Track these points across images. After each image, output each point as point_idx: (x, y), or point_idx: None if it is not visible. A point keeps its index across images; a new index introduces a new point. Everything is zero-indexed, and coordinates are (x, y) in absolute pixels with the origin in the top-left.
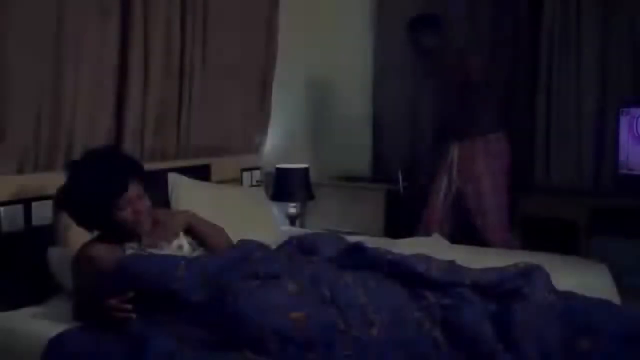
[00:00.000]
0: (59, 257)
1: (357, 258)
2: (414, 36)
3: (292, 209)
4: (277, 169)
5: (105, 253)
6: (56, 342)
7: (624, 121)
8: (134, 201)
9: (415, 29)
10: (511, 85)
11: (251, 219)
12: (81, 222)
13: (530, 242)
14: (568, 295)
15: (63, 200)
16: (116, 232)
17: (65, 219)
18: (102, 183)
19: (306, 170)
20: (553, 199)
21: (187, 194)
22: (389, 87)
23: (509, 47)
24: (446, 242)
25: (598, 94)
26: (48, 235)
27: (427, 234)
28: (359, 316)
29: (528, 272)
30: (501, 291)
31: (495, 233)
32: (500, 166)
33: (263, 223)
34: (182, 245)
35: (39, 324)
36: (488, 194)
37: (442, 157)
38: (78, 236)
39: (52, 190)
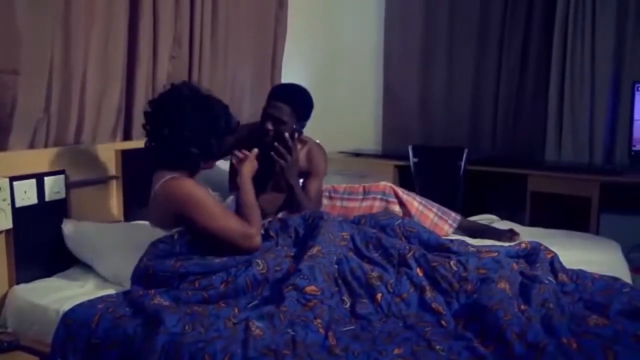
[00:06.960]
0: (73, 229)
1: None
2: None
3: None
4: None
5: (200, 188)
6: (70, 315)
7: (639, 96)
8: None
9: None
10: (524, 59)
11: None
12: (184, 139)
13: (541, 218)
14: (578, 272)
15: (182, 107)
16: (198, 164)
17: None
18: (230, 116)
19: None
20: (564, 175)
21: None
22: (400, 63)
23: (523, 20)
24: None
25: (613, 68)
26: (61, 210)
27: None
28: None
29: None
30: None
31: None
32: None
33: None
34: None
35: (54, 296)
36: None
37: None
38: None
39: (63, 165)
